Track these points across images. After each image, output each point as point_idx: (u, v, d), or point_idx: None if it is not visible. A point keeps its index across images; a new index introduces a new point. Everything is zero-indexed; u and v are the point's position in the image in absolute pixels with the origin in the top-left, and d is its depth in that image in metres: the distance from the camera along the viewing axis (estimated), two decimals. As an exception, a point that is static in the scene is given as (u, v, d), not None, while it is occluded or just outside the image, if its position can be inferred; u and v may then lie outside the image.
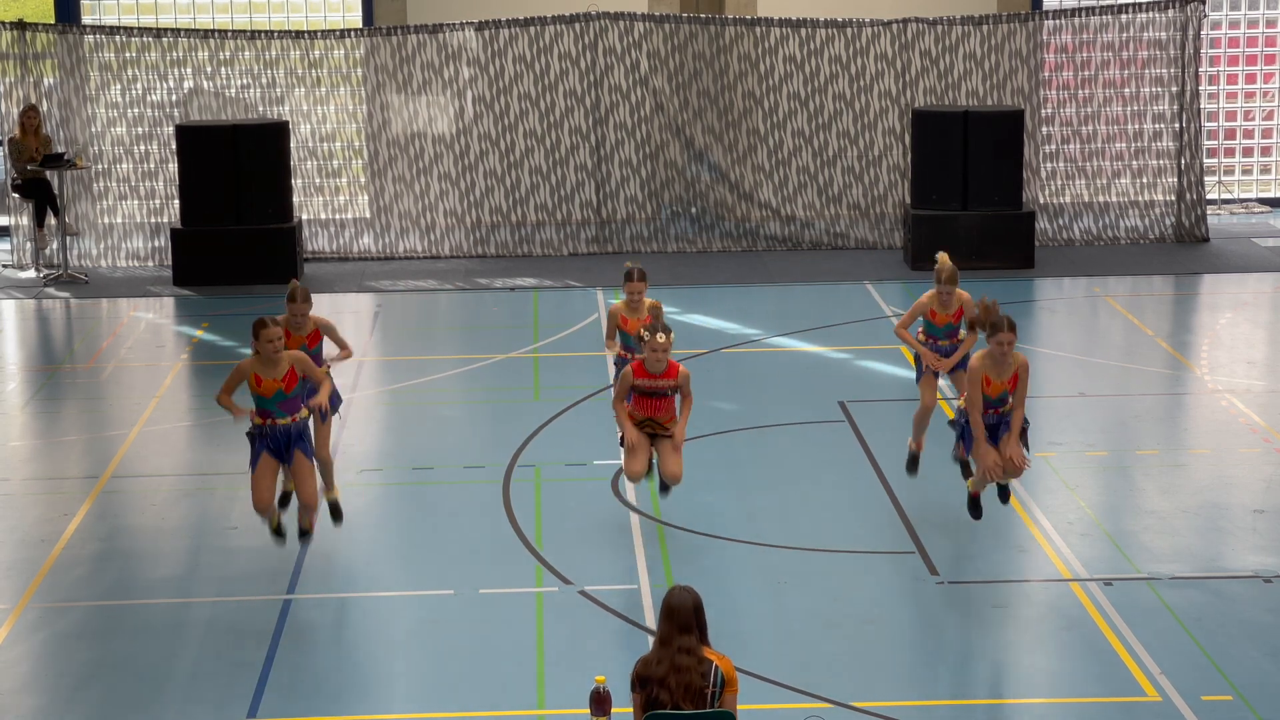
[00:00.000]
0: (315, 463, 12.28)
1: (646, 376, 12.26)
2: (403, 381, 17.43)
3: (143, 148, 23.21)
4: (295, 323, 12.91)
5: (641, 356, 12.67)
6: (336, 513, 13.04)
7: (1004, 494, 12.72)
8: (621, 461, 13.20)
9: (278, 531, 12.43)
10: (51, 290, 21.58)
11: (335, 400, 13.03)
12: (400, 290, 21.45)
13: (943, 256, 13.69)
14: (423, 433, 15.95)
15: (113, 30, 23.30)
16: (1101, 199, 23.75)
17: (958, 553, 12.70)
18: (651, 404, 12.42)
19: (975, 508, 12.61)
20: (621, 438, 12.69)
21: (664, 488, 12.96)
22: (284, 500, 12.76)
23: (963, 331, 13.55)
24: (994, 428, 12.19)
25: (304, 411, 12.05)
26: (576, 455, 14.94)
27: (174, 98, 23.19)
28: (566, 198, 23.44)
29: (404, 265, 22.84)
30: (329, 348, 13.30)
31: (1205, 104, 24.76)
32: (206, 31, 23.43)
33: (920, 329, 13.68)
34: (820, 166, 23.58)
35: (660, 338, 12.16)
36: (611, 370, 14.34)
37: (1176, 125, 23.55)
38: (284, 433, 11.95)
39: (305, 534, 12.44)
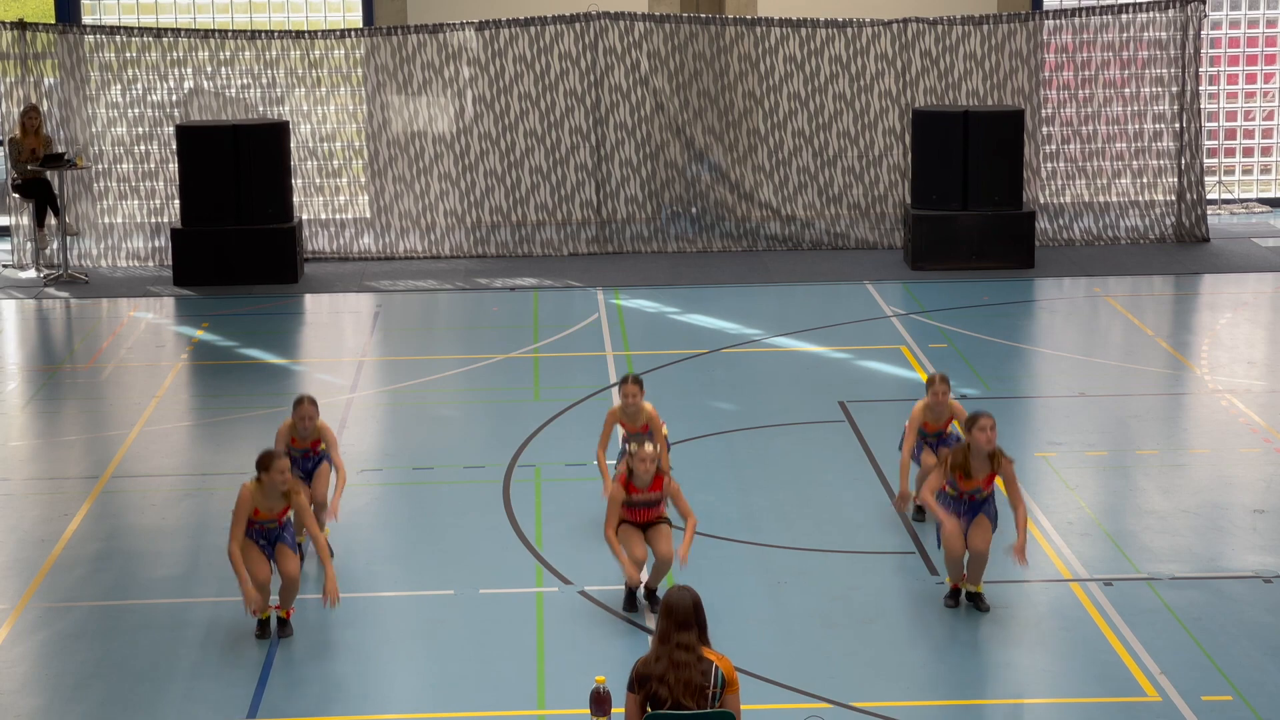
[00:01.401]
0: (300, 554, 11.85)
1: (635, 491, 11.67)
2: (403, 381, 17.43)
3: (143, 148, 23.21)
4: (302, 430, 12.61)
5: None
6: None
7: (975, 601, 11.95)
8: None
9: (265, 625, 11.59)
10: (51, 290, 21.58)
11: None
12: (400, 290, 21.44)
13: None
14: (423, 433, 15.95)
15: (113, 30, 23.31)
16: (1101, 199, 23.76)
17: (958, 553, 12.69)
18: (641, 514, 11.75)
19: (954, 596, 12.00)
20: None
21: (650, 594, 11.96)
22: (263, 629, 11.83)
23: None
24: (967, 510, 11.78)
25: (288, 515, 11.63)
26: (576, 455, 14.94)
27: (174, 98, 23.19)
28: (566, 198, 23.44)
29: (404, 265, 22.84)
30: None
31: (1205, 104, 24.76)
32: (206, 31, 23.43)
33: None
34: (820, 166, 23.58)
35: (648, 447, 11.56)
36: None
37: (1176, 125, 23.56)
38: (269, 532, 11.51)
39: (284, 624, 11.63)
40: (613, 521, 11.72)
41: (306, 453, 12.75)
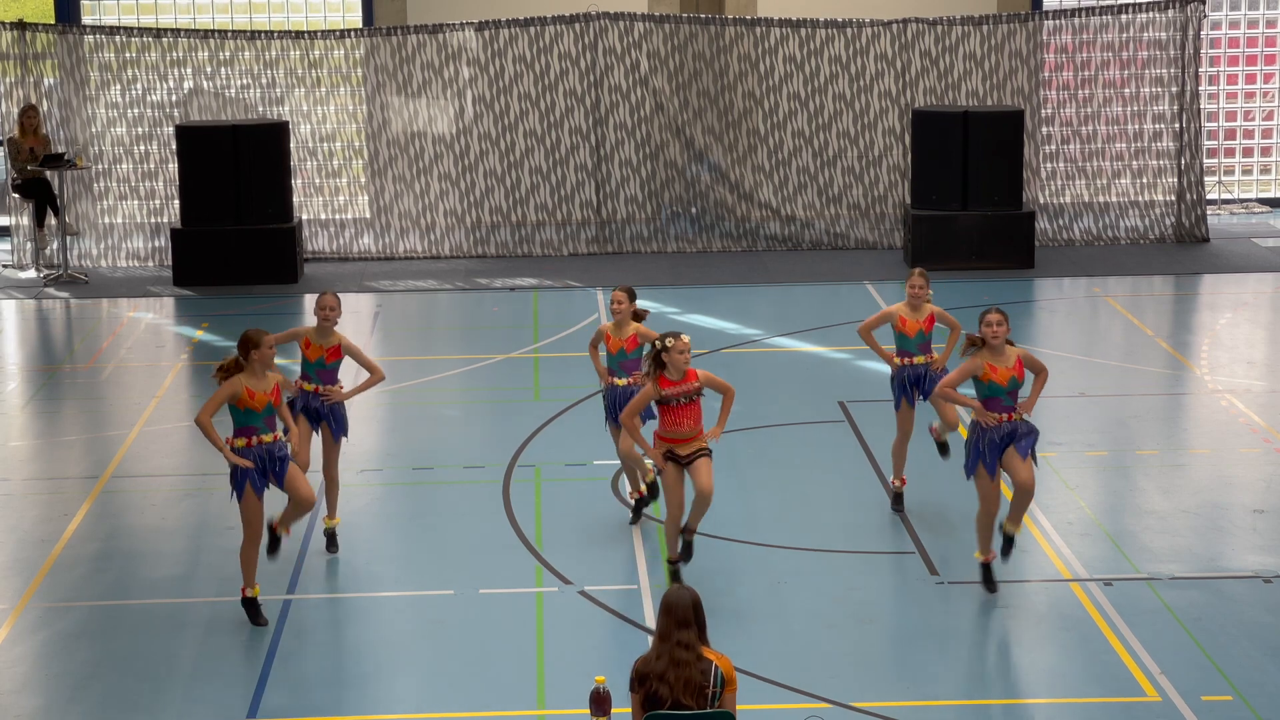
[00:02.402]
0: (303, 490, 11.88)
1: (669, 385, 11.80)
2: (403, 381, 17.42)
3: (143, 148, 23.21)
4: (323, 326, 12.50)
5: (627, 379, 12.80)
6: (332, 541, 12.90)
7: (1007, 545, 12.12)
8: (621, 462, 13.20)
9: (255, 607, 11.81)
10: (51, 290, 21.58)
11: (342, 423, 12.75)
12: (400, 290, 21.45)
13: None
14: (423, 433, 15.94)
15: (113, 30, 23.31)
16: (1101, 199, 23.76)
17: (958, 553, 12.70)
18: (678, 414, 11.84)
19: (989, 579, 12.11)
20: (650, 465, 12.59)
21: (686, 549, 12.14)
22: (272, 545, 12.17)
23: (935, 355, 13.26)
24: (1006, 436, 11.73)
25: (280, 433, 11.64)
26: (576, 455, 14.94)
27: (174, 98, 23.20)
28: (566, 198, 23.45)
29: (404, 265, 22.85)
30: (347, 378, 13.05)
31: (1205, 104, 24.76)
32: (206, 31, 23.44)
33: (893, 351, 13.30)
34: (820, 166, 23.59)
35: (684, 339, 11.83)
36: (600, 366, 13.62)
37: (1176, 125, 23.56)
38: (268, 451, 11.51)
39: (276, 542, 12.05)
40: (637, 410, 11.96)
41: (322, 366, 12.49)
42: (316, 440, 12.84)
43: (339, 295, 12.85)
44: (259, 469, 11.48)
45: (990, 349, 11.70)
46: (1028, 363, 11.79)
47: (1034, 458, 11.76)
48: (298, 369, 12.82)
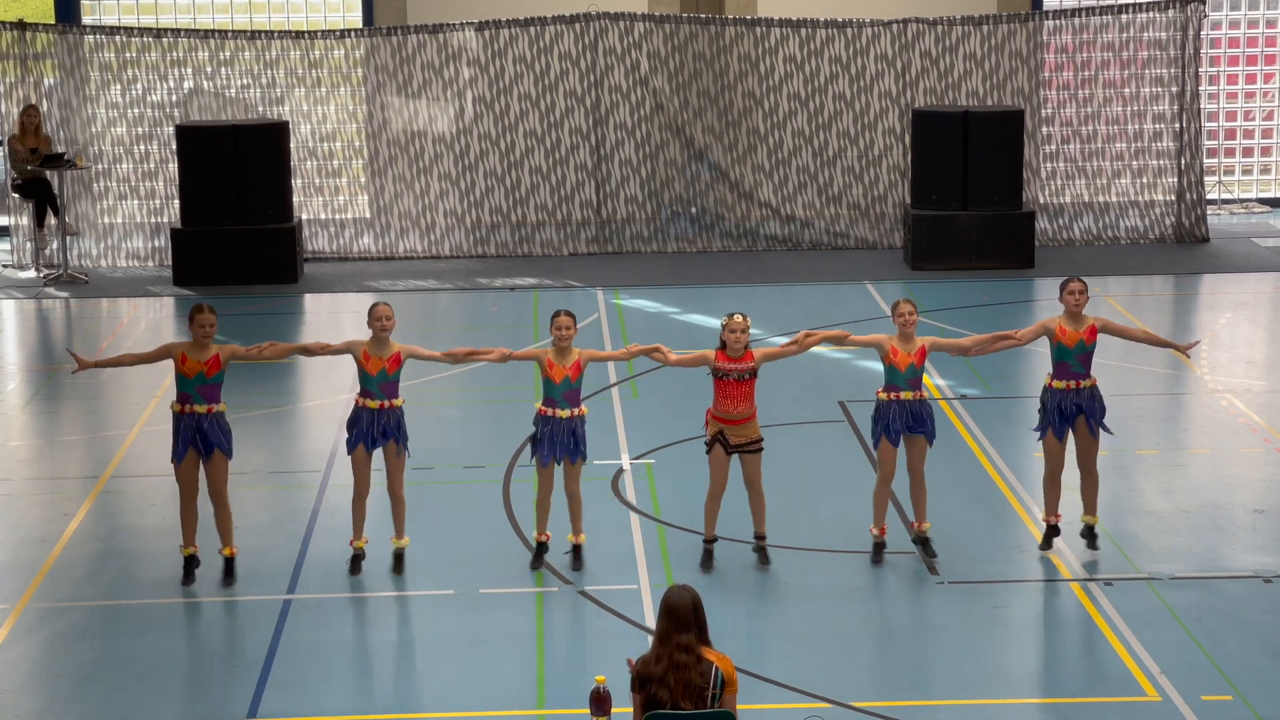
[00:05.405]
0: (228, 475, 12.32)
1: (725, 359, 12.16)
2: (403, 381, 17.37)
3: (143, 148, 23.21)
4: (379, 337, 12.30)
5: (571, 410, 12.21)
6: (398, 563, 12.58)
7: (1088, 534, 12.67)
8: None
9: (190, 566, 12.32)
10: (51, 290, 21.58)
11: (401, 436, 12.51)
12: (400, 290, 21.44)
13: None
14: (423, 433, 15.90)
15: (113, 30, 23.31)
16: (1101, 199, 23.77)
17: (958, 553, 12.70)
18: (731, 390, 12.15)
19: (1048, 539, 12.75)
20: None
21: (761, 554, 12.49)
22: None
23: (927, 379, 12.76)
24: (1071, 408, 12.47)
25: (221, 405, 12.20)
26: (576, 455, 14.92)
27: (174, 98, 23.20)
28: (566, 198, 23.45)
29: (404, 265, 22.85)
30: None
31: (1205, 104, 24.77)
32: (206, 31, 23.44)
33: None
34: (820, 166, 23.59)
35: (738, 318, 12.20)
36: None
37: (1176, 125, 23.57)
38: (197, 423, 12.09)
39: (230, 566, 12.33)
40: (687, 363, 12.39)
41: (384, 379, 12.37)
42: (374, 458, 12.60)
43: (390, 305, 12.52)
44: (187, 437, 12.11)
45: (1069, 314, 12.43)
46: (1103, 328, 12.43)
47: (1092, 432, 12.48)
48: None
